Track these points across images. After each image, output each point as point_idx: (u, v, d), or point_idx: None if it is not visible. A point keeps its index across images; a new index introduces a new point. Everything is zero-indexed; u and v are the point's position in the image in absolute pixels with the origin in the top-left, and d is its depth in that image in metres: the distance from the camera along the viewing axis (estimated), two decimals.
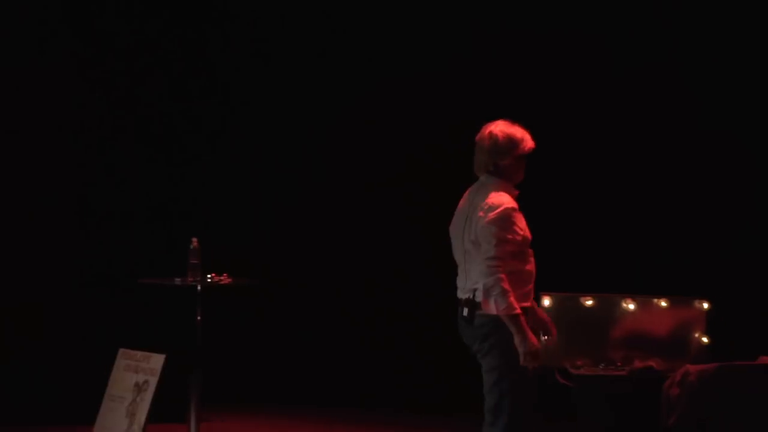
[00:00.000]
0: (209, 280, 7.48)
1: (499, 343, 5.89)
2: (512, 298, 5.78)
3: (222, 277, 7.54)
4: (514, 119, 5.95)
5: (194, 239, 7.44)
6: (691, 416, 7.29)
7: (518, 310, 5.81)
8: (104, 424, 7.52)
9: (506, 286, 5.76)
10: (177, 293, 7.74)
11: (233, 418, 8.84)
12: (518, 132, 6.00)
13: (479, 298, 5.89)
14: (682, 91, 8.82)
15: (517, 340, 5.81)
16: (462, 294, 6.04)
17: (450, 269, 6.09)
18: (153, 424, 7.32)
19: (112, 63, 9.31)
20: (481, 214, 5.87)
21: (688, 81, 8.82)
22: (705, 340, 8.21)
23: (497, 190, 5.94)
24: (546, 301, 8.26)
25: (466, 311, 5.96)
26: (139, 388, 7.37)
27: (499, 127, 5.99)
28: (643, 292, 8.37)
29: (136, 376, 7.43)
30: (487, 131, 6.00)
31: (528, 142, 6.01)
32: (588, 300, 8.32)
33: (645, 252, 8.60)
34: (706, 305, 8.25)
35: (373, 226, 9.38)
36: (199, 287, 7.45)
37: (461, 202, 6.13)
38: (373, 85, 9.36)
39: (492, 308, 5.81)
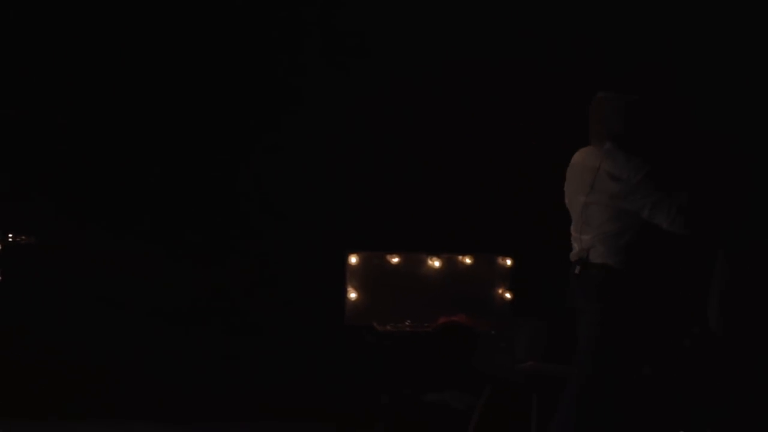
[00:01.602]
0: (10, 239, 7.25)
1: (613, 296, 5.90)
2: None
3: (23, 237, 7.31)
4: None
5: None
6: None
7: None
8: None
9: None
10: None
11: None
12: None
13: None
14: None
15: None
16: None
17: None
18: None
19: None
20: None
21: None
22: (508, 295, 8.40)
23: None
24: (353, 259, 8.31)
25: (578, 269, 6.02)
26: None
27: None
28: (448, 249, 8.50)
29: None
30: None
31: None
32: (394, 258, 8.41)
33: (450, 209, 8.70)
34: (509, 262, 8.45)
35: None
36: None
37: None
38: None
39: None
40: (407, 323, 8.24)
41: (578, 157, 6.19)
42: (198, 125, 8.93)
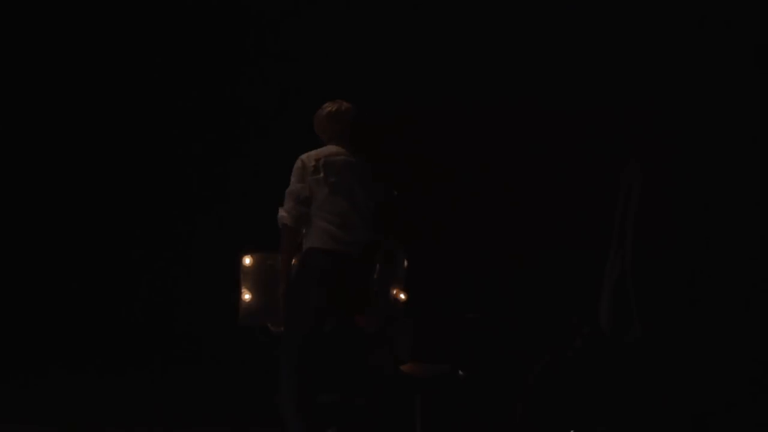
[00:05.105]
0: None
1: None
2: None
3: None
4: None
5: None
6: None
7: None
8: None
9: None
10: None
11: None
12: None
13: None
14: None
15: None
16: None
17: None
18: None
19: None
20: None
21: None
22: (402, 296, 8.37)
23: None
24: (247, 260, 8.25)
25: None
26: None
27: None
28: None
29: None
30: None
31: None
32: None
33: None
34: (405, 262, 8.42)
35: None
36: None
37: None
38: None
39: None
40: None
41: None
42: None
